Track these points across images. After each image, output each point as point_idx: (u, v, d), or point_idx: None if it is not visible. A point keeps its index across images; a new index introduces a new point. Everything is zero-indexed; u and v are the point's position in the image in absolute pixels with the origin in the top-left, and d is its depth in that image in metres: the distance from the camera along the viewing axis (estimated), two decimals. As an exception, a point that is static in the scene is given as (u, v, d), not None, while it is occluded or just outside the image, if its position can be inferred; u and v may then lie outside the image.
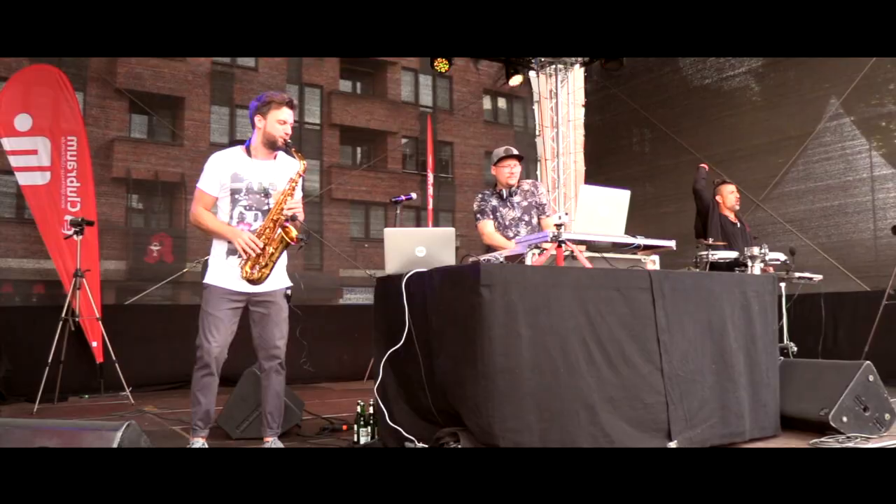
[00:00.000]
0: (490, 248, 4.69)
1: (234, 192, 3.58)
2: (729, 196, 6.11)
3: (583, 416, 3.30)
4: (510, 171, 4.84)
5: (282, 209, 3.54)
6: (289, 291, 3.74)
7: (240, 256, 3.53)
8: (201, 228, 3.63)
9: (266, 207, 3.60)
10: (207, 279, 3.61)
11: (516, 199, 4.90)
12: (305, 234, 3.61)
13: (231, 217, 3.59)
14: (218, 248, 3.62)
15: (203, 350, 3.51)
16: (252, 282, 3.53)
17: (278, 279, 3.67)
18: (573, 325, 3.36)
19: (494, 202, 4.89)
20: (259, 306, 3.64)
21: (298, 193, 3.67)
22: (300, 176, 3.61)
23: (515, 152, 4.88)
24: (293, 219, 3.56)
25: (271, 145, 3.63)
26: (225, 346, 3.56)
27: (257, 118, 3.62)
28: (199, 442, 3.57)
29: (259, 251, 3.50)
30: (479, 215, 4.92)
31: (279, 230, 3.53)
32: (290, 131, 3.62)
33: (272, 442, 3.70)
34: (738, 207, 6.19)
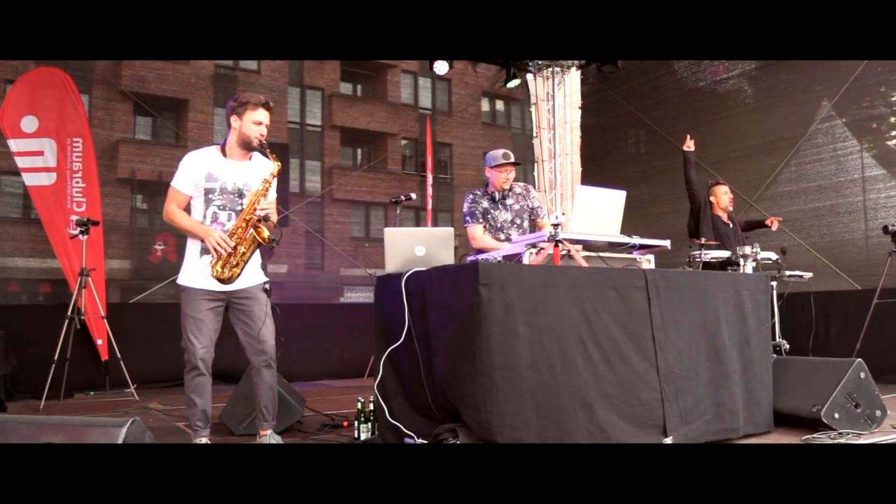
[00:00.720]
0: (480, 252, 4.63)
1: (207, 191, 3.58)
2: (723, 197, 6.16)
3: (580, 414, 3.33)
4: (506, 177, 4.80)
5: (254, 209, 3.53)
6: (268, 286, 3.72)
7: (211, 255, 3.53)
8: (174, 226, 3.63)
9: (240, 207, 3.60)
10: (183, 280, 3.60)
11: (509, 201, 4.87)
12: (278, 235, 3.58)
13: (204, 216, 3.59)
14: (192, 248, 3.62)
15: (189, 353, 3.52)
16: (222, 281, 3.53)
17: (253, 275, 3.66)
18: (570, 324, 3.39)
19: (486, 204, 4.85)
20: (239, 304, 3.63)
21: (272, 194, 3.67)
22: (274, 177, 3.61)
23: (513, 159, 4.81)
24: (266, 219, 3.54)
25: (246, 146, 3.63)
26: (211, 345, 3.56)
27: (233, 118, 3.61)
28: (202, 441, 3.59)
29: (230, 250, 3.50)
30: (468, 218, 4.86)
31: (251, 230, 3.53)
32: (265, 132, 3.61)
33: (269, 435, 3.74)
34: (731, 208, 6.23)
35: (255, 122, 3.59)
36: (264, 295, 3.69)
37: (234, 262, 3.53)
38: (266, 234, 3.51)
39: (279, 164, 3.64)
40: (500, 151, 4.85)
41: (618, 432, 3.43)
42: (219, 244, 3.47)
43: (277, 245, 3.60)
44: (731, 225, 6.17)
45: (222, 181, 3.61)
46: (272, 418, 3.76)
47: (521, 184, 4.99)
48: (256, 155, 3.73)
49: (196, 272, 3.58)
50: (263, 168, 3.69)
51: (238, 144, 3.65)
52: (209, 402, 3.60)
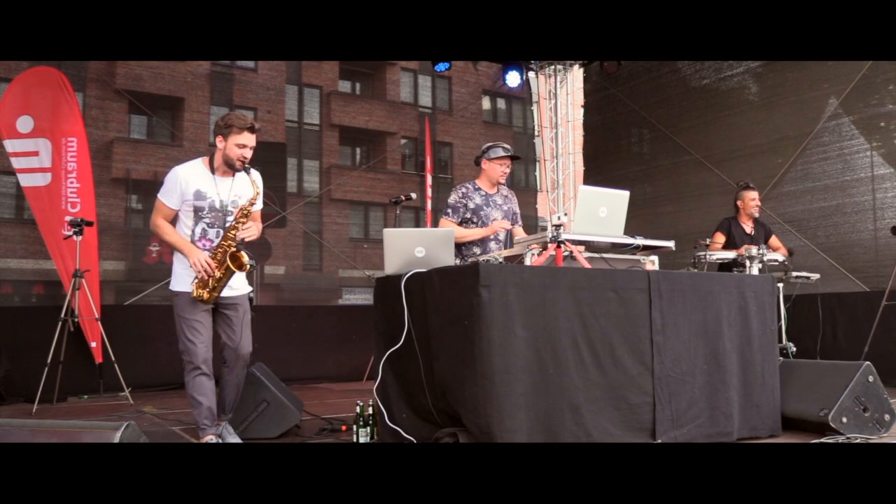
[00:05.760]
0: (459, 247, 4.53)
1: (197, 209, 3.63)
2: (750, 203, 6.11)
3: (567, 417, 3.33)
4: (504, 171, 4.67)
5: (231, 237, 3.55)
6: (252, 295, 3.88)
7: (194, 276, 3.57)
8: (160, 238, 3.71)
9: (227, 224, 3.65)
10: (176, 286, 3.65)
11: (498, 200, 4.74)
12: (254, 261, 3.65)
13: (193, 232, 3.65)
14: (181, 257, 3.65)
15: (190, 354, 3.58)
16: (202, 301, 3.58)
17: (242, 284, 3.78)
18: (566, 326, 3.38)
19: (478, 200, 4.66)
20: (227, 309, 3.72)
21: (258, 205, 3.73)
22: (252, 203, 3.62)
23: (512, 152, 4.74)
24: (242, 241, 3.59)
25: (230, 166, 3.66)
26: (210, 345, 3.62)
27: (218, 139, 3.65)
28: (211, 439, 3.64)
29: (212, 274, 3.54)
30: (450, 211, 4.64)
31: (227, 258, 3.53)
32: (248, 155, 3.63)
33: (224, 425, 3.80)
34: (756, 215, 6.17)
35: (239, 144, 3.61)
36: (248, 302, 3.81)
37: (212, 286, 3.57)
38: (244, 261, 3.53)
39: (258, 190, 3.67)
40: (500, 144, 4.73)
41: (603, 435, 3.42)
42: (203, 267, 3.51)
43: (254, 269, 3.65)
44: (752, 233, 6.10)
45: (211, 199, 3.64)
46: (230, 411, 3.88)
47: (505, 187, 4.88)
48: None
49: (189, 277, 3.61)
50: (249, 184, 3.69)
51: (223, 163, 3.68)
52: (213, 400, 3.66)
